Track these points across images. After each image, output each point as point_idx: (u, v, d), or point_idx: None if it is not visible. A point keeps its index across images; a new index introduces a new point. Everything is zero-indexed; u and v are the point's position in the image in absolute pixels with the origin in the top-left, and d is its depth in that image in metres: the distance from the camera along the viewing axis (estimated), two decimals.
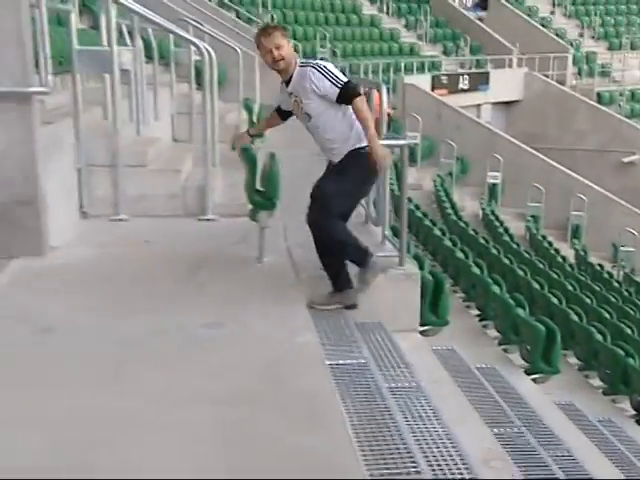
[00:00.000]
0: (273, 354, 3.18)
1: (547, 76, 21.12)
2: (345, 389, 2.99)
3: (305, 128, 3.92)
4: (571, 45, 24.31)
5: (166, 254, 4.52)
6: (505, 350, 6.55)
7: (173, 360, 3.10)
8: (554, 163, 16.28)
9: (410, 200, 10.75)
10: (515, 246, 11.98)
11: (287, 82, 3.80)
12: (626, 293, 11.69)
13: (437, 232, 9.93)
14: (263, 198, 4.28)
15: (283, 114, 4.10)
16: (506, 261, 9.81)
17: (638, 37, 26.36)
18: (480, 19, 24.44)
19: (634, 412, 6.73)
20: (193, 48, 6.78)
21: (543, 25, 24.91)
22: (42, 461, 2.33)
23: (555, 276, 10.21)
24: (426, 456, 2.61)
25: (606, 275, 12.64)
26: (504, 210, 15.26)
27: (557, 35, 24.56)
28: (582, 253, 13.89)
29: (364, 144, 3.73)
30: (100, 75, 5.65)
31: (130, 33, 5.85)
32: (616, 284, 12.22)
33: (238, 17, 16.30)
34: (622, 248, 14.44)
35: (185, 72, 8.27)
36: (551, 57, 22.05)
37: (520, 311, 6.58)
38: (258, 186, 4.31)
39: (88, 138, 5.21)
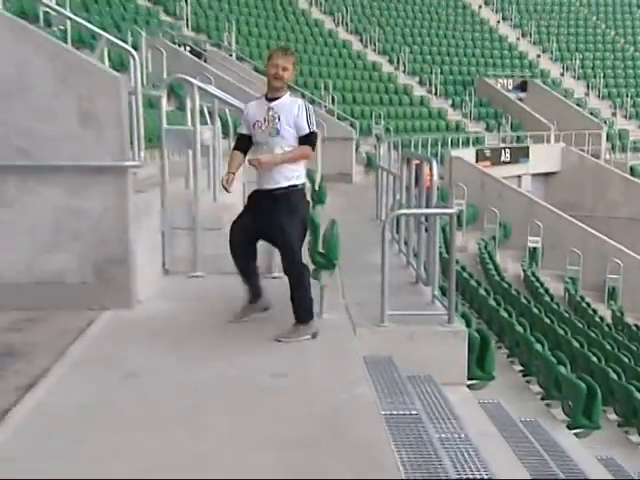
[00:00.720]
0: (333, 404, 3.14)
1: (583, 150, 20.87)
2: (399, 438, 2.93)
3: (257, 143, 3.97)
4: (605, 123, 24.06)
5: (238, 309, 4.54)
6: (548, 405, 6.33)
7: (242, 406, 3.09)
8: (590, 229, 15.94)
9: (457, 262, 10.63)
10: (555, 306, 11.65)
11: (272, 99, 3.92)
12: None
13: (482, 292, 9.76)
14: (324, 259, 4.30)
15: (247, 144, 4.06)
16: (547, 320, 9.55)
17: None
18: (520, 99, 24.46)
19: None
20: None
21: (578, 105, 24.77)
22: None
23: (594, 335, 9.86)
24: None
25: None
26: (544, 272, 14.93)
27: (591, 114, 24.36)
28: (619, 314, 13.40)
29: (300, 182, 3.99)
30: (184, 150, 5.87)
31: (210, 113, 6.06)
32: None
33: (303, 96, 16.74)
34: None
35: None
36: (586, 133, 21.85)
37: (562, 368, 6.40)
38: (320, 248, 4.35)
39: (172, 204, 5.39)
